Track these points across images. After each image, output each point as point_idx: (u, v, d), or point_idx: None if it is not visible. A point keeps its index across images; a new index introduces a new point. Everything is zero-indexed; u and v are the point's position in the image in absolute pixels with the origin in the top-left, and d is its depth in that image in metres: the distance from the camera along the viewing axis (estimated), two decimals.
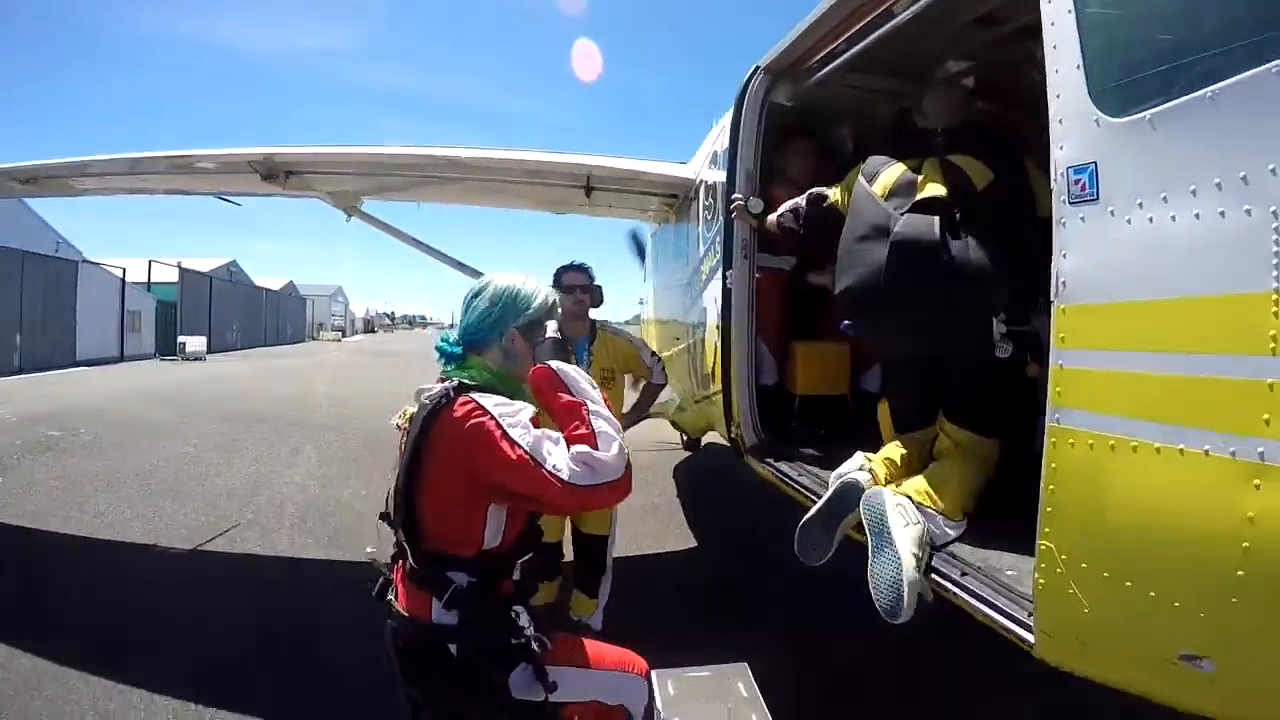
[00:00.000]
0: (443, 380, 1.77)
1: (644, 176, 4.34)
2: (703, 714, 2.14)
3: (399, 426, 1.83)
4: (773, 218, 2.84)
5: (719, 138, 3.50)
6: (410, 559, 1.75)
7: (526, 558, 1.86)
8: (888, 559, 1.78)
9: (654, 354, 3.60)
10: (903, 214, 2.06)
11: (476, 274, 5.09)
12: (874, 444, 2.45)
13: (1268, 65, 1.04)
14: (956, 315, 2.00)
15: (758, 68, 3.04)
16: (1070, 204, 1.35)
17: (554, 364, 1.74)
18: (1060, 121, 1.37)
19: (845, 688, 3.02)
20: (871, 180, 2.25)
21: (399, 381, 19.27)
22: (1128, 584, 1.24)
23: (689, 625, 3.57)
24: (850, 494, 2.01)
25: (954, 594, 1.72)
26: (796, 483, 2.56)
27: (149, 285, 27.25)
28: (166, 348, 25.26)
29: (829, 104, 3.37)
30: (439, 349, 1.85)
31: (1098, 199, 1.30)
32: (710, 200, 3.59)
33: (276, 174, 4.18)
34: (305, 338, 48.57)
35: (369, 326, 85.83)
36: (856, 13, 2.44)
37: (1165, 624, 1.19)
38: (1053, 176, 1.39)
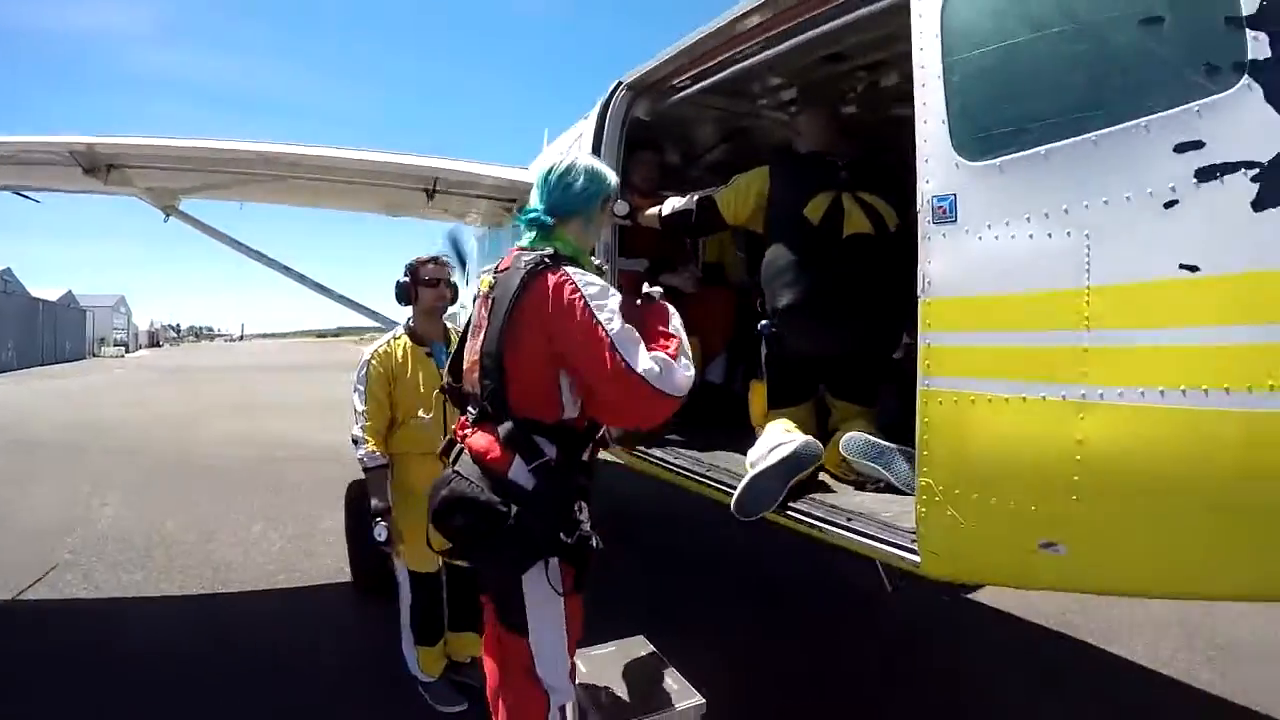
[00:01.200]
0: (525, 250, 2.01)
1: (487, 180, 4.37)
2: (623, 681, 2.35)
3: (477, 295, 2.07)
4: (652, 212, 3.17)
5: (573, 145, 3.69)
6: (499, 417, 1.94)
7: (600, 436, 2.12)
8: (904, 462, 2.34)
9: None
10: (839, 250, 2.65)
11: (303, 279, 4.67)
12: (722, 428, 3.04)
13: (1084, 136, 1.57)
14: (885, 328, 2.67)
15: (620, 83, 3.33)
16: (934, 224, 1.80)
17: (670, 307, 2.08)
18: (927, 161, 1.82)
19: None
20: (800, 204, 2.67)
21: (194, 402, 16.36)
22: (993, 500, 1.71)
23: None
24: (808, 453, 2.38)
25: (847, 538, 2.12)
26: (675, 465, 2.84)
27: None
28: None
29: (679, 120, 3.76)
30: (528, 219, 2.10)
31: (956, 221, 1.77)
32: None
33: (98, 167, 3.59)
34: (86, 354, 44.13)
35: (153, 340, 79.10)
36: (723, 45, 2.84)
37: (1026, 523, 1.67)
38: (919, 202, 1.84)
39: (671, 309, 2.10)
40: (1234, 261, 1.41)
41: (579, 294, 1.87)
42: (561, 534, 1.89)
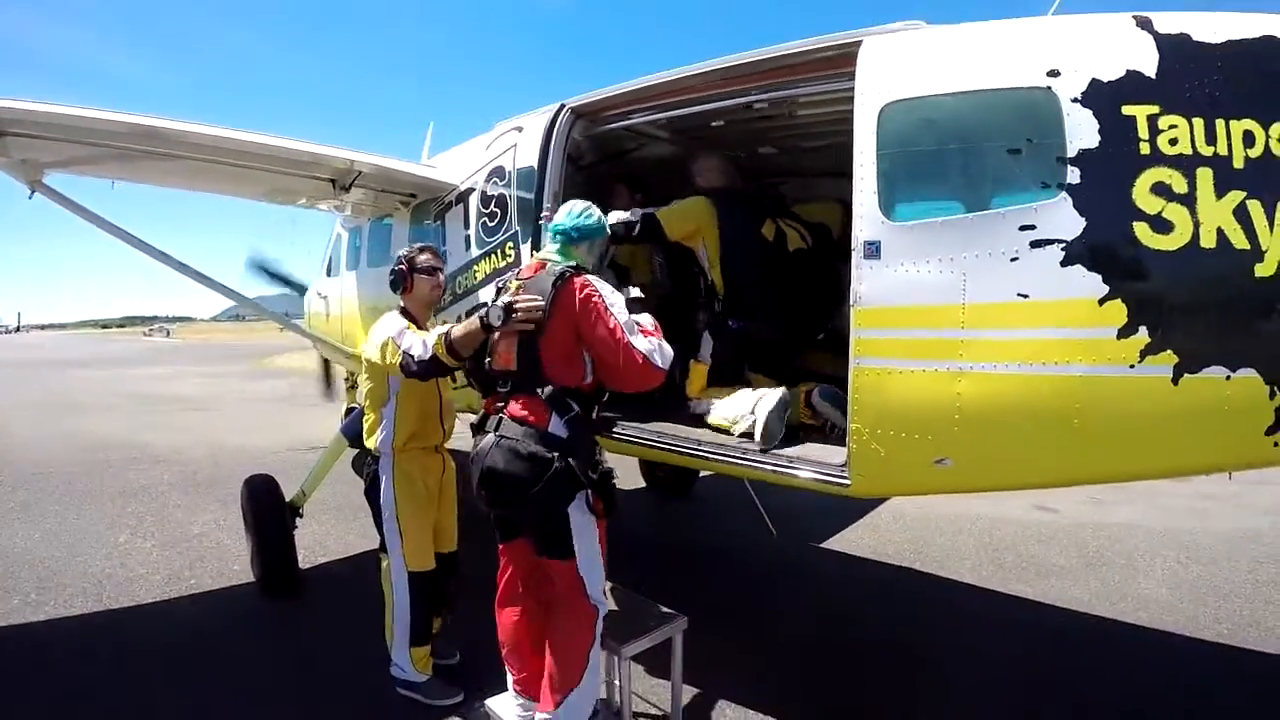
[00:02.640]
0: (551, 261, 2.86)
1: (400, 176, 4.67)
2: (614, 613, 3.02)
3: (510, 288, 2.86)
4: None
5: (508, 155, 4.20)
6: (535, 390, 2.67)
7: (604, 399, 2.87)
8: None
9: None
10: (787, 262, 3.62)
11: (184, 267, 4.50)
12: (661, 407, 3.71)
13: (967, 214, 2.52)
14: (817, 318, 3.65)
15: (564, 105, 3.91)
16: (865, 259, 2.68)
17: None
18: (861, 217, 2.69)
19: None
20: (753, 228, 3.56)
21: None
22: (903, 435, 2.63)
23: None
24: (787, 398, 3.25)
25: (790, 474, 2.97)
26: (643, 439, 3.52)
27: None
28: None
29: (609, 145, 4.38)
30: (560, 232, 2.92)
31: (880, 258, 2.65)
32: (497, 211, 4.24)
33: None
34: None
35: None
36: (666, 94, 3.57)
37: (926, 448, 2.59)
38: (854, 242, 2.70)
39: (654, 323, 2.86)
40: (1047, 293, 2.42)
41: (598, 294, 2.67)
42: (590, 471, 2.63)
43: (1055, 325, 2.40)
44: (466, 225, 4.49)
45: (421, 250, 3.46)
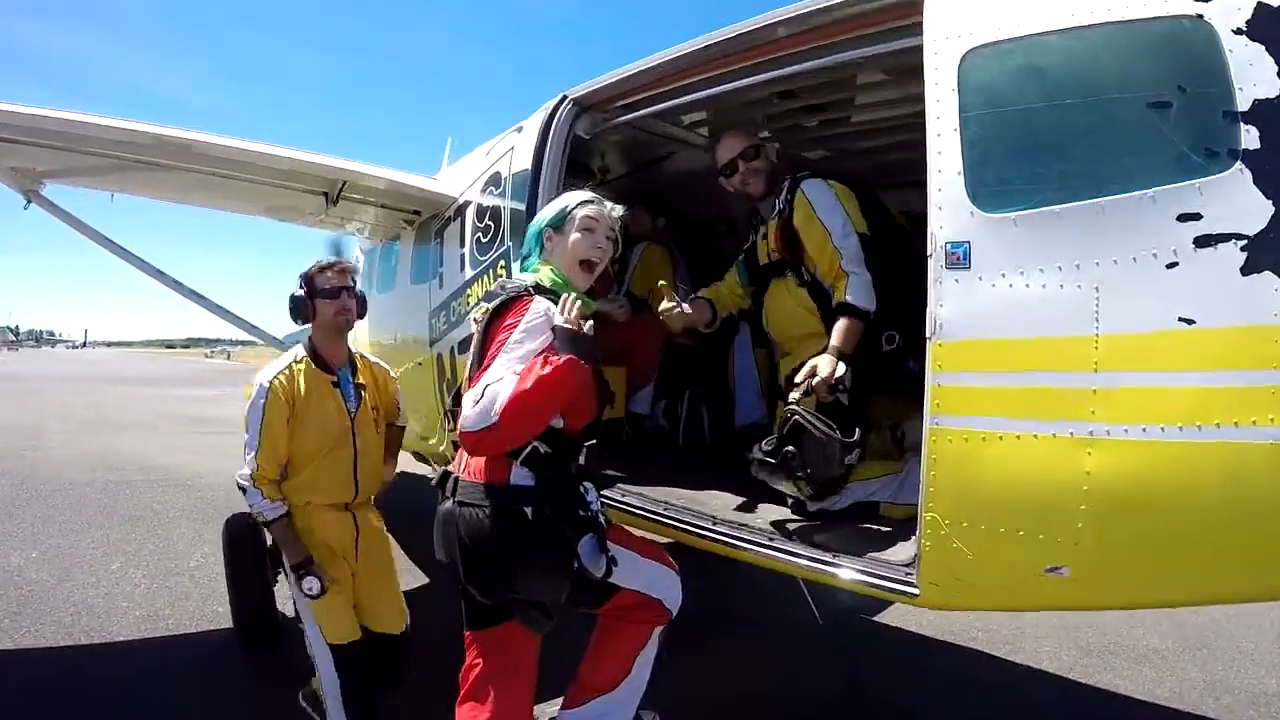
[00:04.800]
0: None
1: (399, 189, 4.07)
2: None
3: (476, 320, 2.16)
4: None
5: (505, 160, 3.52)
6: None
7: (591, 444, 2.12)
8: None
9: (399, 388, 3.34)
10: None
11: (178, 285, 4.15)
12: (658, 463, 3.06)
13: (1096, 199, 1.72)
14: None
15: (565, 97, 3.20)
16: (947, 269, 1.89)
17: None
18: (940, 208, 1.91)
19: None
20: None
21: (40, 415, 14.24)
22: (1001, 530, 1.81)
23: None
24: None
25: (831, 574, 2.18)
26: (641, 509, 2.78)
27: None
28: None
29: (636, 153, 3.70)
30: (533, 237, 2.28)
31: (969, 266, 1.86)
32: (490, 225, 3.58)
33: None
34: None
35: None
36: (687, 71, 2.82)
37: (1032, 551, 1.78)
38: (930, 246, 1.92)
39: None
40: (1223, 317, 1.60)
41: (518, 317, 1.98)
42: (579, 510, 2.01)
43: (1235, 367, 1.60)
44: (462, 243, 3.86)
45: (324, 267, 2.86)
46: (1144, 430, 1.66)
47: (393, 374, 3.28)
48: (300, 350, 2.88)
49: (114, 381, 27.81)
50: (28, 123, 3.05)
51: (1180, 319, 1.63)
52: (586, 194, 2.29)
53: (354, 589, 2.92)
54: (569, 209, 2.23)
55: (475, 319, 2.17)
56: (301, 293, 2.84)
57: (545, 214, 2.28)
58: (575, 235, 2.19)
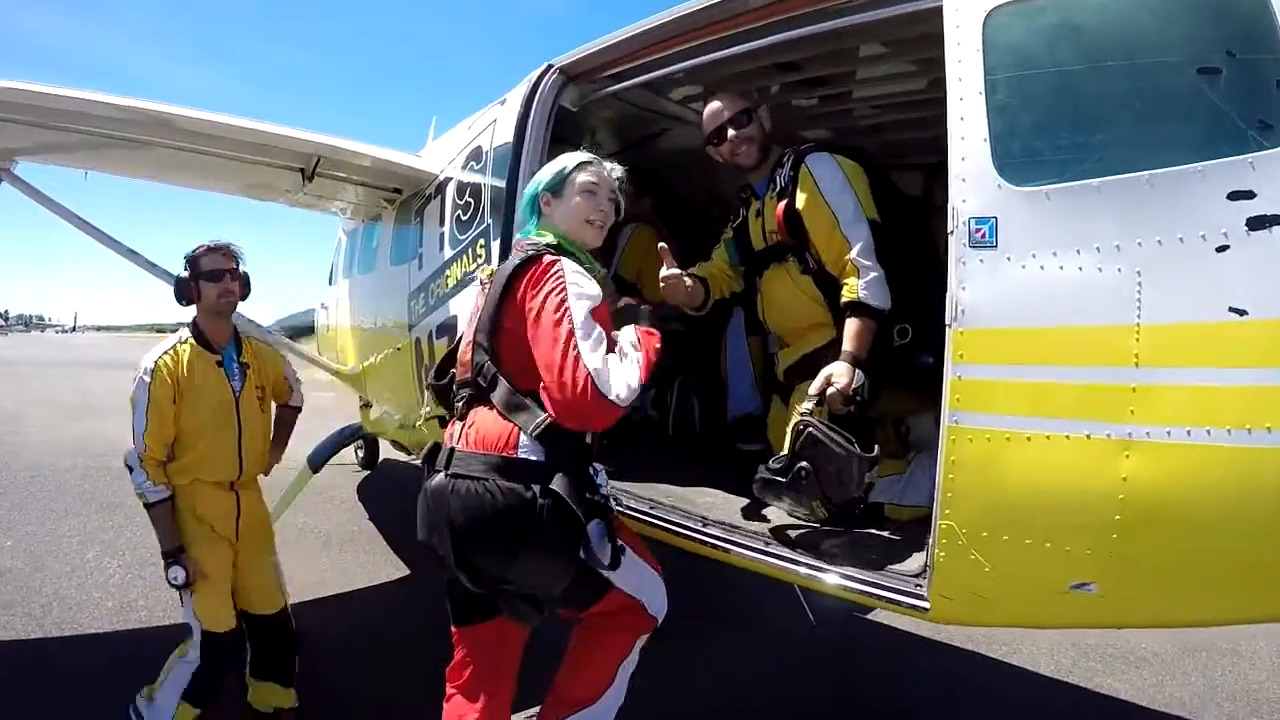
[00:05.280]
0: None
1: (378, 165, 3.82)
2: None
3: (481, 282, 2.06)
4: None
5: (487, 134, 3.29)
6: (496, 396, 1.86)
7: None
8: None
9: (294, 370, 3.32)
10: None
11: (154, 267, 3.94)
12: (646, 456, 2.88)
13: (1138, 174, 1.53)
14: None
15: (551, 65, 2.97)
16: (970, 247, 1.70)
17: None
18: (963, 180, 1.72)
19: None
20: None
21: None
22: (1027, 541, 1.63)
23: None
24: None
25: (847, 589, 1.99)
26: (630, 509, 2.57)
27: None
28: None
29: (628, 129, 3.47)
30: (529, 201, 2.10)
31: (996, 245, 1.67)
32: (470, 201, 3.35)
33: None
34: None
35: None
36: (675, 38, 2.59)
37: (1058, 565, 1.60)
38: (952, 223, 1.73)
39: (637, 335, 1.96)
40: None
41: (557, 277, 1.83)
42: (587, 493, 1.83)
43: None
44: (441, 222, 3.63)
45: (209, 250, 2.84)
46: (1188, 433, 1.47)
47: (278, 350, 3.32)
48: (185, 331, 2.90)
49: (104, 366, 27.36)
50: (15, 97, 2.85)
51: (1231, 309, 1.44)
52: (584, 155, 2.10)
53: (234, 568, 2.95)
54: (566, 171, 2.04)
55: (482, 280, 2.06)
56: (185, 274, 2.85)
57: (541, 177, 2.09)
58: (576, 199, 2.02)
